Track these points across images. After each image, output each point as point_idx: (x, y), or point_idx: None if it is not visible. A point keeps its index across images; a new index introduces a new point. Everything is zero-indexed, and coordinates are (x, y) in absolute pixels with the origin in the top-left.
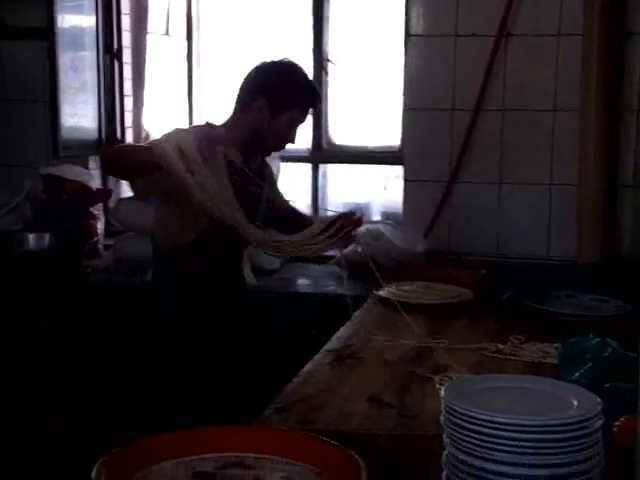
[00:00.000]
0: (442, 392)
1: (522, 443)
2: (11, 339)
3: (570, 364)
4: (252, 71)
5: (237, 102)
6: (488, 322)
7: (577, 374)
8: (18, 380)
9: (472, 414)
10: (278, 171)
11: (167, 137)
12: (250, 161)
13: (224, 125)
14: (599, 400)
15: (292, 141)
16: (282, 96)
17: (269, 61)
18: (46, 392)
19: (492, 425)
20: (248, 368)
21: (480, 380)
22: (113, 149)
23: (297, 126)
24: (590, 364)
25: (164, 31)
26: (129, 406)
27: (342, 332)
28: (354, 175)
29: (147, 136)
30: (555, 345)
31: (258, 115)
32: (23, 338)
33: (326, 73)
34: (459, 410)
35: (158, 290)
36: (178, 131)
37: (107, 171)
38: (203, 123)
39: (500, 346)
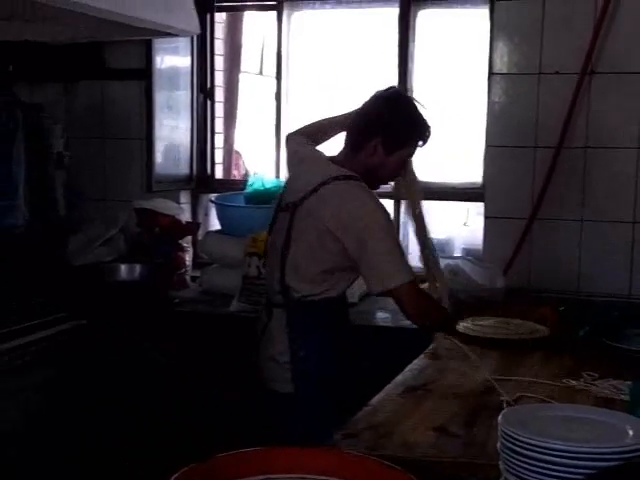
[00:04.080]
0: (499, 418)
1: (576, 470)
2: (100, 363)
3: None
4: (365, 109)
5: (350, 139)
6: (563, 359)
7: None
8: (102, 401)
9: (526, 440)
10: None
11: None
12: None
13: (339, 161)
14: None
15: (402, 174)
16: (397, 134)
17: (380, 96)
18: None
19: (546, 451)
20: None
21: (537, 409)
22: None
23: (408, 161)
24: None
25: (258, 71)
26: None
27: (415, 364)
28: (436, 211)
29: (246, 173)
30: (628, 382)
31: (373, 153)
32: (112, 362)
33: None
34: (514, 436)
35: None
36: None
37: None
38: (324, 162)
39: (572, 382)
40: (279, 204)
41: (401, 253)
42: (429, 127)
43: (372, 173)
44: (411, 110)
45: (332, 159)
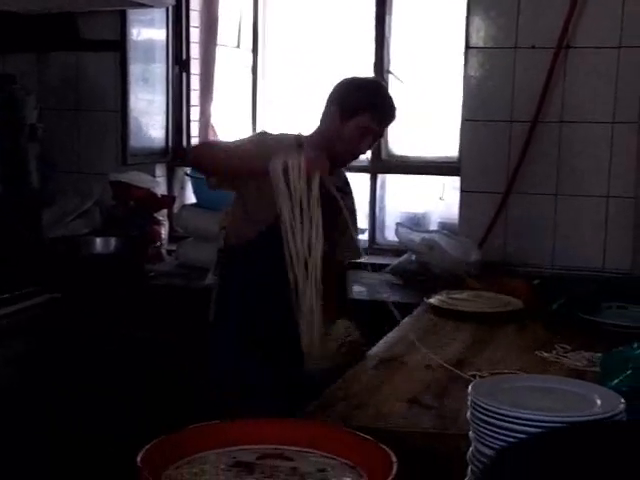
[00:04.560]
0: (469, 389)
1: None
2: (75, 336)
3: (611, 372)
4: (333, 87)
5: (320, 120)
6: (536, 331)
7: (616, 381)
8: (76, 375)
9: (495, 409)
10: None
11: (279, 155)
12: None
13: (309, 137)
14: (622, 399)
15: (363, 151)
16: (351, 101)
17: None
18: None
19: (515, 420)
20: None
21: (506, 379)
22: (212, 147)
23: (369, 136)
24: (630, 372)
25: (235, 44)
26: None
27: (389, 337)
28: (412, 185)
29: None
30: (600, 354)
31: (331, 123)
32: (86, 335)
33: (387, 85)
34: (483, 406)
35: (220, 290)
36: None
37: (197, 165)
38: (295, 133)
39: (545, 354)
40: None
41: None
42: (389, 101)
43: (331, 144)
44: (370, 82)
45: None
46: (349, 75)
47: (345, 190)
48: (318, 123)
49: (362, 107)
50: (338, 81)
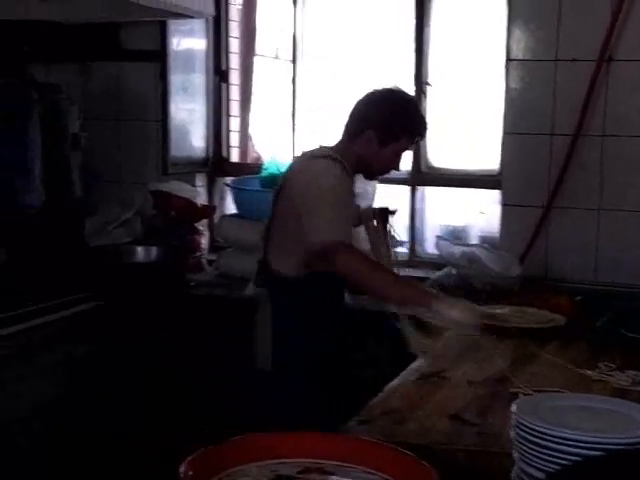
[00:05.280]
0: (513, 407)
1: None
2: (116, 345)
3: None
4: (362, 100)
5: (346, 130)
6: (579, 348)
7: None
8: (118, 381)
9: (540, 429)
10: (373, 191)
11: None
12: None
13: (334, 150)
14: None
15: (397, 168)
16: (390, 128)
17: (379, 90)
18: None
19: (559, 441)
20: (340, 383)
21: (551, 398)
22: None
23: (402, 154)
24: None
25: (274, 54)
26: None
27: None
28: (452, 198)
29: (258, 157)
30: None
31: (366, 146)
32: (127, 344)
33: (425, 96)
34: (528, 425)
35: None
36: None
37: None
38: (317, 147)
39: (588, 372)
40: None
41: (343, 216)
42: (424, 122)
43: (366, 164)
44: (405, 104)
45: (330, 148)
46: (376, 87)
47: None
48: (342, 134)
49: (401, 134)
50: (366, 98)
